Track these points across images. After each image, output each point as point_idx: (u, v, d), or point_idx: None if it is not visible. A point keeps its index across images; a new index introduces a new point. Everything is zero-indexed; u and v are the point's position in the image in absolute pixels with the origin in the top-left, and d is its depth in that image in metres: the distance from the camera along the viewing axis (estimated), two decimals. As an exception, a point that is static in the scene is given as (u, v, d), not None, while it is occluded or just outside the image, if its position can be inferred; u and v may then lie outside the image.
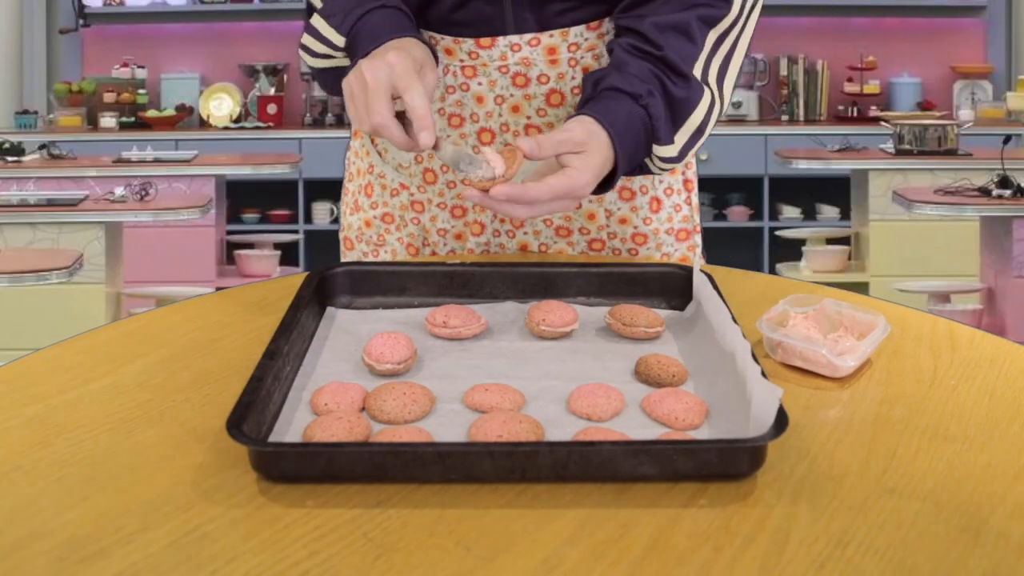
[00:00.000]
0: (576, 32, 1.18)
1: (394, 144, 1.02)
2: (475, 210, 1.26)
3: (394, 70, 1.01)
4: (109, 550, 0.61)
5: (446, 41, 1.20)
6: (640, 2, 1.14)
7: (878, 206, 4.42)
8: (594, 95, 1.09)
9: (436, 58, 1.14)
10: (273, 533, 0.63)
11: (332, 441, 0.73)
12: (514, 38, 1.18)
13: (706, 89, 1.12)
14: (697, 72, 1.11)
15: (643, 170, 1.13)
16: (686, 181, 1.31)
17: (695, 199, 1.32)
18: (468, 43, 1.19)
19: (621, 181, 1.25)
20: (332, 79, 1.17)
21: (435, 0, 1.18)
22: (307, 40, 1.18)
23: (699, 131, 1.12)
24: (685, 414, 0.78)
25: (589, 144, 1.02)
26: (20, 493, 0.68)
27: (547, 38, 1.18)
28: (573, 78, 1.19)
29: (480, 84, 1.20)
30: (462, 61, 1.20)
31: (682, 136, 1.11)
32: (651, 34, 1.10)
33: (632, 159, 1.08)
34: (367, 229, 1.33)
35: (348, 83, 1.04)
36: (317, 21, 1.17)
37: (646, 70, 1.09)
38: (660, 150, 1.10)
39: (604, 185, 1.07)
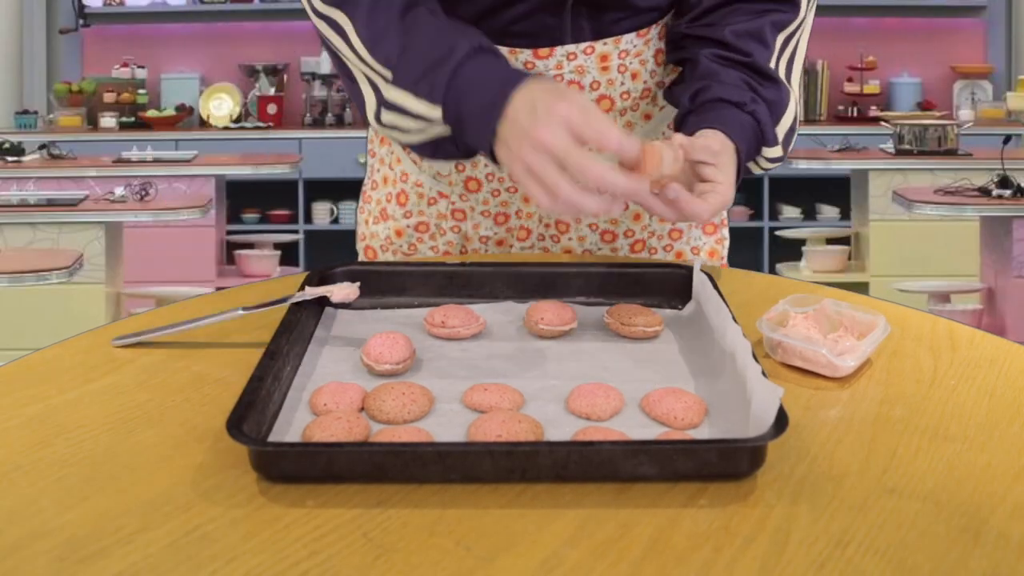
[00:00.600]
0: (627, 40, 1.19)
1: (626, 192, 0.89)
2: (517, 216, 1.26)
3: (570, 120, 0.88)
4: (109, 550, 0.61)
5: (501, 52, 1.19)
6: (709, 11, 1.17)
7: (878, 206, 4.42)
8: (694, 107, 1.11)
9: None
10: (273, 533, 0.63)
11: (332, 441, 0.73)
12: (571, 47, 1.18)
13: (789, 88, 1.16)
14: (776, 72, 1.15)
15: (746, 172, 1.15)
16: None
17: None
18: (525, 53, 1.18)
19: None
20: (432, 149, 1.08)
21: (494, 13, 1.15)
22: (392, 119, 1.05)
23: (792, 129, 1.16)
24: (684, 413, 0.78)
25: (723, 156, 1.04)
26: (20, 493, 0.68)
27: (601, 46, 1.18)
28: (622, 83, 1.20)
29: None
30: None
31: (780, 134, 1.14)
32: (733, 42, 1.13)
33: (747, 165, 1.11)
34: (397, 239, 1.31)
35: (521, 162, 0.91)
36: (397, 95, 1.03)
37: (738, 78, 1.11)
38: (769, 151, 1.13)
39: None
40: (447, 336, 0.94)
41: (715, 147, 1.03)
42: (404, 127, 1.05)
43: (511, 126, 0.93)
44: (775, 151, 1.14)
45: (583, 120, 0.88)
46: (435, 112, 1.01)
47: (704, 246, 1.32)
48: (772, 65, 1.15)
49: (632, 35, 1.19)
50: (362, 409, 0.80)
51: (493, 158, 0.98)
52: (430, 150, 1.08)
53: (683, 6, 1.21)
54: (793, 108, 1.16)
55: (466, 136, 1.00)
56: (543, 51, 1.18)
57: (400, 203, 1.31)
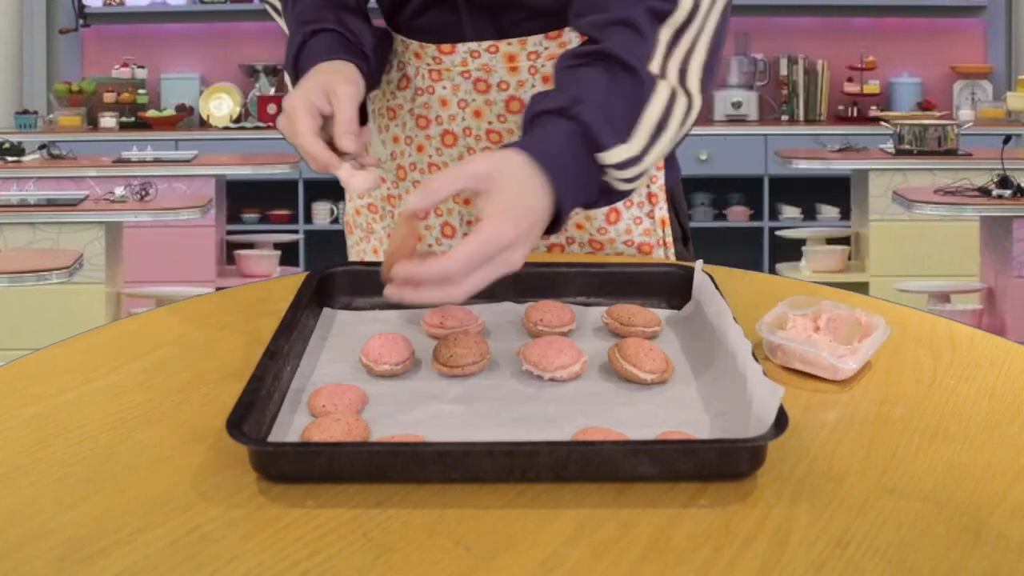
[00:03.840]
0: (535, 41, 1.19)
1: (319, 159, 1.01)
2: (435, 213, 1.27)
3: (290, 113, 1.03)
4: (109, 550, 0.62)
5: (414, 45, 1.23)
6: (586, 8, 1.07)
7: (878, 206, 4.42)
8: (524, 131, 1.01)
9: (369, 59, 1.17)
10: (273, 533, 0.63)
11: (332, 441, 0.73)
12: (473, 45, 1.19)
13: (661, 83, 1.02)
14: (653, 68, 1.01)
15: (611, 194, 1.02)
16: (650, 195, 1.25)
17: (661, 213, 1.25)
18: (431, 48, 1.21)
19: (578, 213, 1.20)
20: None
21: (400, 6, 1.22)
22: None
23: (659, 127, 1.01)
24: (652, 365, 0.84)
25: (495, 178, 0.86)
26: (20, 493, 0.68)
27: (505, 46, 1.19)
28: (533, 86, 1.19)
29: (444, 88, 1.22)
30: (428, 65, 1.22)
31: (641, 134, 1.00)
32: (591, 32, 1.04)
33: (579, 181, 0.96)
34: (358, 216, 1.38)
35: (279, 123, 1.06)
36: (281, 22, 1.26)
37: (585, 75, 1.00)
38: (610, 155, 0.97)
39: (555, 222, 0.94)
40: (445, 337, 0.94)
41: (479, 169, 0.86)
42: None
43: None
44: (619, 153, 0.98)
45: (295, 113, 1.02)
46: (286, 63, 1.19)
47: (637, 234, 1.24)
48: (656, 62, 1.01)
49: (540, 36, 1.18)
50: (361, 410, 0.80)
51: None
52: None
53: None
54: (661, 106, 1.01)
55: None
56: (446, 47, 1.20)
57: None
